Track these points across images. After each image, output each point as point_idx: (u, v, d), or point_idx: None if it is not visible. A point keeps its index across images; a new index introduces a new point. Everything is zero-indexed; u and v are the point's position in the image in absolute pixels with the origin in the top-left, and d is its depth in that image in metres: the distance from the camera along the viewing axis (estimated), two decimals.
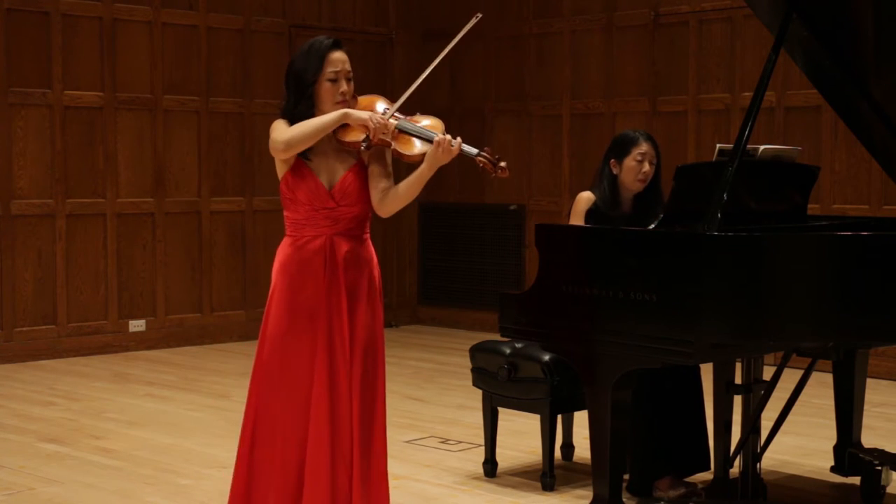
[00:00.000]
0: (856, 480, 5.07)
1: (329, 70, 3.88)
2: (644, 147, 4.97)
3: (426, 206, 10.24)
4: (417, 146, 3.81)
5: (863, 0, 4.43)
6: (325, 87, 3.89)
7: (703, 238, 4.12)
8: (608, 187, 5.00)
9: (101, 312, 8.61)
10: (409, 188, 3.85)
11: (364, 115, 3.82)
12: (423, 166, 3.79)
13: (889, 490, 4.90)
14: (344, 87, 3.90)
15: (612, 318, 4.32)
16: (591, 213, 4.99)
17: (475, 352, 5.43)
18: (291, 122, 3.91)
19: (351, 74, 3.93)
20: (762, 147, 4.77)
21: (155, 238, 8.85)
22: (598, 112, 9.12)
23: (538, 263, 4.62)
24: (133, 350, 8.69)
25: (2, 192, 8.18)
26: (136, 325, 8.75)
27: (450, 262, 10.13)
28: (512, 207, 9.65)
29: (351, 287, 3.91)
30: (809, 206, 5.17)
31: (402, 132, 3.83)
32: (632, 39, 8.94)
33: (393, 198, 3.88)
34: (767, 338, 4.17)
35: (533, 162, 9.56)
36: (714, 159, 4.79)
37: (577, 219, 5.01)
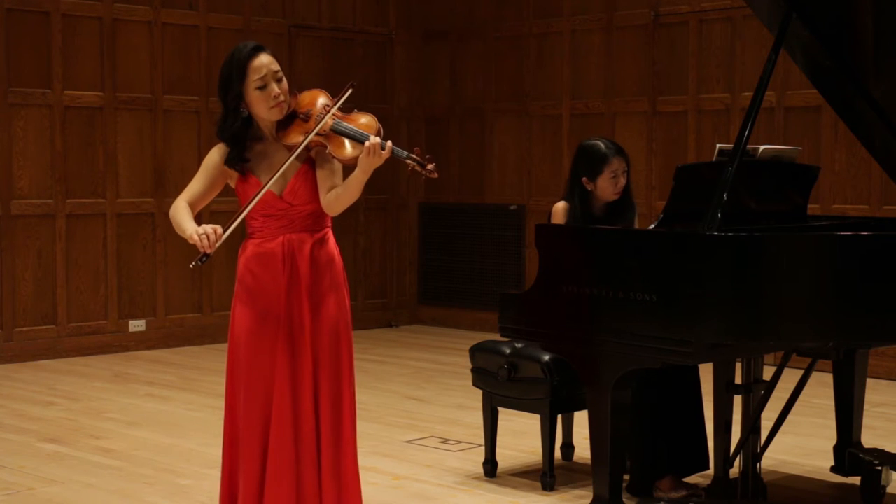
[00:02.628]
0: (856, 480, 5.06)
1: (254, 78, 3.85)
2: (615, 164, 4.98)
3: (426, 206, 10.24)
4: (349, 149, 3.80)
5: (863, 0, 4.43)
6: (255, 95, 3.87)
7: (703, 238, 4.12)
8: (580, 204, 5.00)
9: (101, 312, 8.60)
10: (347, 191, 3.84)
11: (197, 231, 3.71)
12: (356, 171, 3.78)
13: (889, 490, 4.90)
14: (275, 90, 3.86)
15: (612, 318, 4.32)
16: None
17: (475, 352, 5.43)
18: (227, 139, 3.93)
19: (280, 75, 3.88)
20: (762, 147, 4.77)
21: (155, 238, 8.84)
22: (598, 112, 9.12)
23: (538, 263, 4.62)
24: (133, 350, 8.69)
25: (2, 192, 8.18)
26: (136, 325, 8.75)
27: (450, 262, 10.12)
28: (512, 207, 9.65)
29: (312, 283, 3.91)
30: (809, 206, 5.17)
31: (336, 133, 3.82)
32: (632, 39, 8.94)
33: (335, 200, 3.87)
34: (767, 338, 4.17)
35: (533, 162, 9.56)
36: (714, 159, 4.79)
37: None
